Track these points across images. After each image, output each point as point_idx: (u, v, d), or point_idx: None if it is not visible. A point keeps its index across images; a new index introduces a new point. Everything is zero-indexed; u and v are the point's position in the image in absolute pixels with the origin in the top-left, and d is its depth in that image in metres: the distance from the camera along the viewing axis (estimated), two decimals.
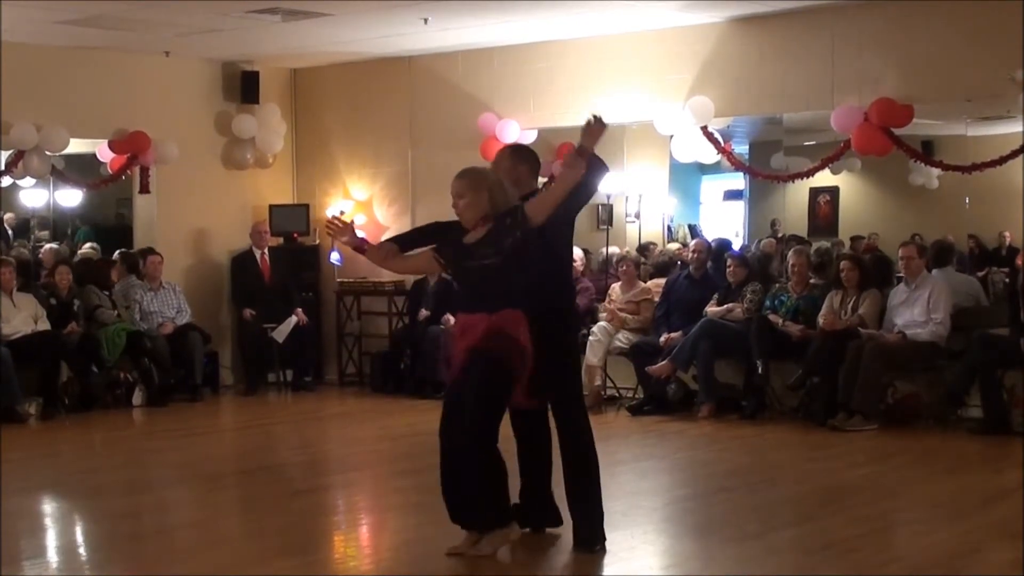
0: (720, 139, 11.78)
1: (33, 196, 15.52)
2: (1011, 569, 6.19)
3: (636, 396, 11.63)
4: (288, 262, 13.82)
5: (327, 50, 13.07)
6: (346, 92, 14.03)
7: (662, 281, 12.00)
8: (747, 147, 13.38)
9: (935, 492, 8.15)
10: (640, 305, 11.79)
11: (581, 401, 6.71)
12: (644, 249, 13.58)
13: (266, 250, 13.58)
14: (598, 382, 11.52)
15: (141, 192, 13.17)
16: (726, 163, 12.23)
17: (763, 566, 6.39)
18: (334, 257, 13.92)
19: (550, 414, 6.66)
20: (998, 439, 9.62)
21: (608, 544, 6.45)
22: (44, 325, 11.72)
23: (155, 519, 7.85)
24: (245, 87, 13.74)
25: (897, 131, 10.74)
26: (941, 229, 11.81)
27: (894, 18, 10.81)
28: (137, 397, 12.19)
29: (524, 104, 12.69)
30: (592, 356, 11.38)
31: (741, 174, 13.24)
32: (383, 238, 14.28)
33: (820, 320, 10.69)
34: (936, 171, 11.65)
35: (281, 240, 13.95)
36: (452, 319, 8.01)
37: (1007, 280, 11.54)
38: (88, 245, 14.48)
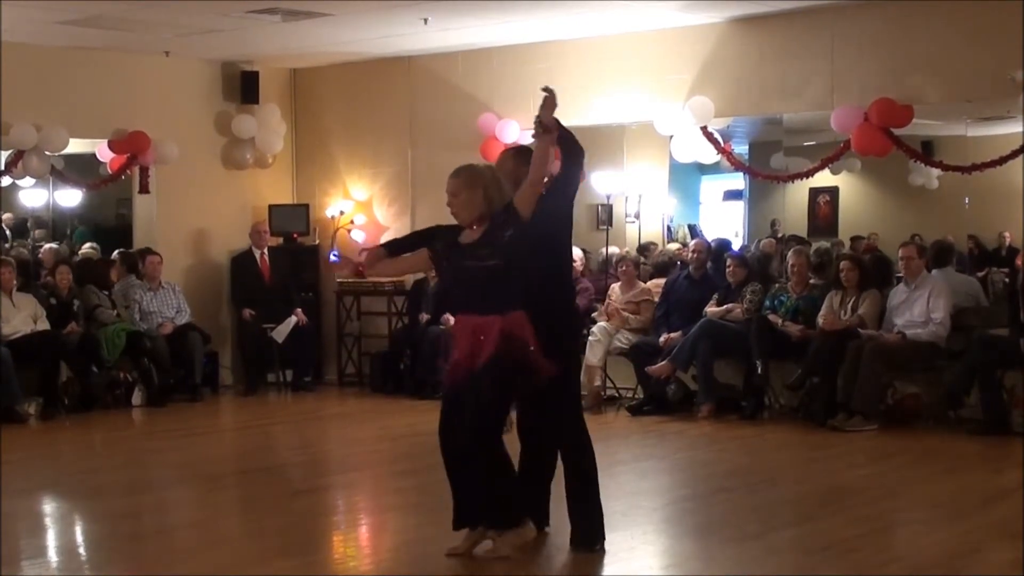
0: (720, 139, 11.79)
1: (33, 196, 15.51)
2: (1011, 569, 6.19)
3: (636, 396, 11.63)
4: (288, 262, 13.82)
5: (327, 50, 13.07)
6: (346, 92, 14.03)
7: (662, 281, 12.00)
8: (747, 147, 13.37)
9: (935, 492, 8.15)
10: (640, 305, 11.79)
11: (579, 401, 6.71)
12: (644, 249, 13.57)
13: (266, 250, 13.58)
14: (598, 382, 11.52)
15: (141, 192, 13.17)
16: (726, 163, 12.23)
17: (763, 566, 6.39)
18: (334, 257, 13.91)
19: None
20: (998, 439, 9.62)
21: (608, 544, 6.45)
22: (44, 325, 11.72)
23: (155, 519, 7.85)
24: (245, 87, 13.74)
25: (897, 131, 10.74)
26: (941, 229, 11.80)
27: (894, 18, 10.82)
28: (137, 397, 12.19)
29: (524, 104, 12.64)
30: (592, 356, 11.38)
31: (741, 174, 13.23)
32: (383, 238, 14.39)
33: (820, 320, 10.69)
34: (936, 171, 11.64)
35: (281, 240, 13.95)
36: (452, 319, 7.98)
37: (1007, 280, 11.54)
38: (88, 245, 14.48)
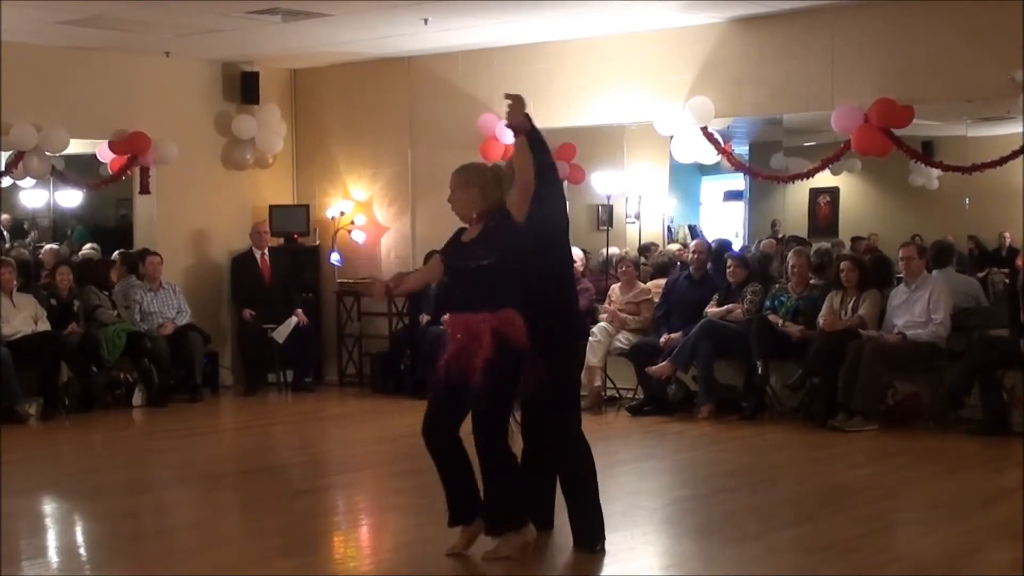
0: (720, 140, 11.79)
1: (33, 197, 15.51)
2: (1011, 569, 6.19)
3: (636, 397, 11.63)
4: (288, 262, 13.82)
5: (327, 50, 13.07)
6: (346, 92, 14.03)
7: (662, 282, 12.00)
8: (747, 148, 13.36)
9: (935, 492, 8.15)
10: (640, 306, 11.80)
11: (578, 402, 6.71)
12: (645, 250, 13.56)
13: (266, 250, 13.58)
14: (598, 383, 11.52)
15: (141, 192, 13.17)
16: (726, 164, 12.22)
17: (763, 566, 6.39)
18: (334, 258, 13.93)
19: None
20: (998, 439, 9.62)
21: (608, 544, 6.46)
22: (44, 325, 11.72)
23: (155, 519, 7.86)
24: (245, 87, 13.74)
25: (897, 132, 10.74)
26: (941, 230, 11.80)
27: (894, 19, 10.82)
28: (137, 397, 12.19)
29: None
30: (592, 356, 11.37)
31: (741, 175, 13.21)
32: (383, 239, 14.39)
33: (820, 320, 10.69)
34: (936, 172, 11.63)
35: (281, 240, 13.95)
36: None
37: (1007, 281, 11.54)
38: (89, 245, 14.49)
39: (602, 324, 11.68)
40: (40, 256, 14.04)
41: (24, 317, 11.66)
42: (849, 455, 9.38)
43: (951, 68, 10.60)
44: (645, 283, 12.18)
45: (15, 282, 11.74)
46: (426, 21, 11.43)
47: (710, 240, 12.70)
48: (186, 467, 9.49)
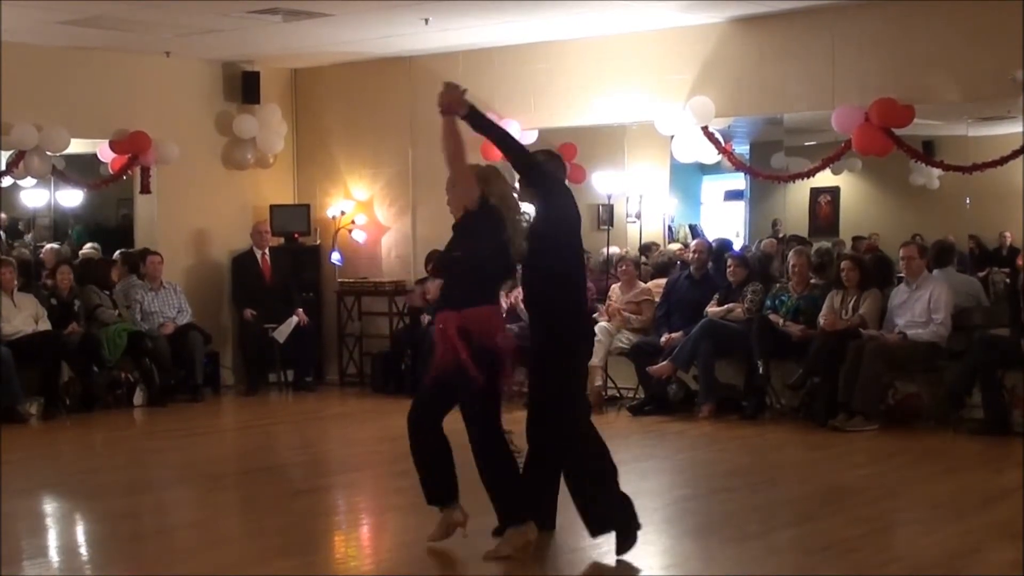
0: (721, 139, 11.78)
1: (34, 196, 15.51)
2: (1011, 569, 6.19)
3: (637, 396, 11.63)
4: (289, 262, 13.83)
5: (328, 50, 13.08)
6: (347, 92, 14.03)
7: (662, 281, 12.00)
8: (748, 147, 13.37)
9: (935, 492, 8.15)
10: (641, 305, 11.80)
11: (579, 401, 6.69)
12: (647, 249, 13.57)
13: (267, 250, 13.59)
14: (599, 382, 11.52)
15: (142, 192, 13.17)
16: (727, 163, 12.22)
17: (763, 566, 6.39)
18: (335, 257, 13.93)
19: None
20: (998, 439, 9.62)
21: (608, 544, 6.45)
22: (45, 325, 11.73)
23: (156, 519, 7.86)
24: (246, 87, 13.74)
25: (898, 131, 10.73)
26: (942, 229, 11.80)
27: (894, 18, 10.82)
28: (138, 397, 12.20)
29: (525, 104, 12.69)
30: (593, 356, 11.37)
31: (742, 174, 13.22)
32: (383, 239, 14.39)
33: (821, 320, 10.69)
34: (937, 171, 11.64)
35: (282, 240, 13.95)
36: None
37: (1008, 280, 11.54)
38: (89, 245, 14.49)
39: (603, 324, 11.68)
40: (41, 256, 14.04)
41: (25, 317, 11.66)
42: (849, 455, 9.38)
43: (952, 68, 10.60)
44: (646, 283, 12.17)
45: (16, 282, 11.74)
46: (427, 21, 11.44)
47: (711, 240, 12.70)
48: (187, 467, 9.49)
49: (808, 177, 11.86)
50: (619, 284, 12.01)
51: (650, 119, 11.95)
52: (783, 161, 12.69)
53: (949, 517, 7.41)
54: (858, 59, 10.99)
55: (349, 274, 13.91)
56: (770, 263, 12.42)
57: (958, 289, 10.72)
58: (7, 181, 12.69)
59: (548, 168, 6.69)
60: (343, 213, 13.98)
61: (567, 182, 7.03)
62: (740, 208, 14.35)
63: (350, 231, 13.95)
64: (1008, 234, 12.60)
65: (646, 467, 9.19)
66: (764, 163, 12.75)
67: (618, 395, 12.03)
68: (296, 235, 14.04)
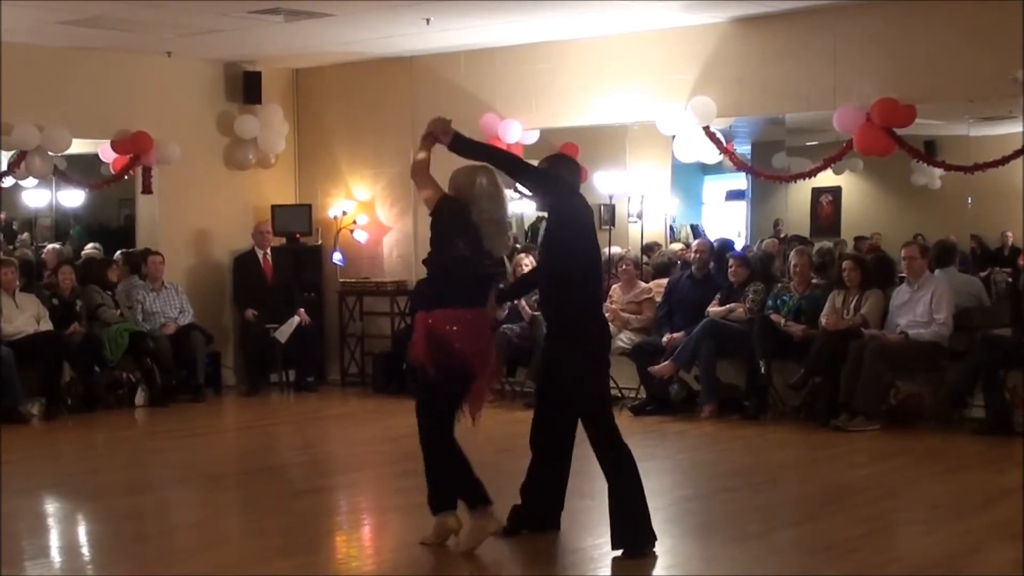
0: (722, 139, 11.77)
1: (36, 196, 15.53)
2: (1011, 569, 6.20)
3: (638, 396, 11.62)
4: (290, 262, 13.83)
5: (329, 50, 13.08)
6: (348, 92, 14.03)
7: (664, 281, 12.00)
8: (749, 147, 13.37)
9: (936, 492, 8.16)
10: (642, 305, 11.80)
11: (606, 404, 6.69)
12: (649, 249, 13.57)
13: (268, 250, 13.59)
14: None
15: (144, 192, 13.17)
16: (728, 163, 12.21)
17: (765, 566, 6.40)
18: (336, 257, 13.93)
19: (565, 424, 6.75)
20: (1000, 439, 9.62)
21: (608, 544, 6.45)
22: (47, 325, 11.73)
23: (157, 520, 7.87)
24: (247, 87, 13.74)
25: (899, 131, 10.73)
26: (943, 229, 11.80)
27: (896, 18, 10.81)
28: (139, 397, 12.20)
29: (526, 104, 12.69)
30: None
31: (743, 174, 13.23)
32: (384, 239, 14.38)
33: (822, 320, 10.69)
34: (938, 171, 11.63)
35: (283, 240, 13.95)
36: None
37: (1009, 280, 11.54)
38: (91, 245, 14.50)
39: None
40: (43, 256, 14.06)
41: (26, 317, 11.67)
42: (851, 455, 9.38)
43: (953, 68, 10.59)
44: (647, 283, 12.17)
45: (17, 282, 11.74)
46: (428, 21, 11.43)
47: (712, 240, 12.70)
48: (188, 467, 9.49)
49: (810, 177, 11.85)
50: (619, 284, 12.00)
51: (652, 119, 11.95)
52: (785, 161, 12.69)
53: (950, 517, 7.42)
54: (860, 59, 10.99)
55: (351, 274, 13.91)
56: (772, 263, 12.41)
57: (960, 289, 10.72)
58: (9, 181, 12.70)
59: (550, 172, 6.71)
60: (344, 213, 13.98)
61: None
62: (742, 208, 14.36)
63: (351, 231, 13.95)
64: (1010, 234, 12.60)
65: (647, 467, 9.09)
66: (766, 163, 12.75)
67: (620, 395, 11.99)
68: (298, 235, 14.04)
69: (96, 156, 13.28)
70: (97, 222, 16.15)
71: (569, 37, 12.30)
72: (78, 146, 12.84)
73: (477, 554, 6.39)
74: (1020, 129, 10.46)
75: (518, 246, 13.09)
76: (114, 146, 12.80)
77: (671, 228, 14.64)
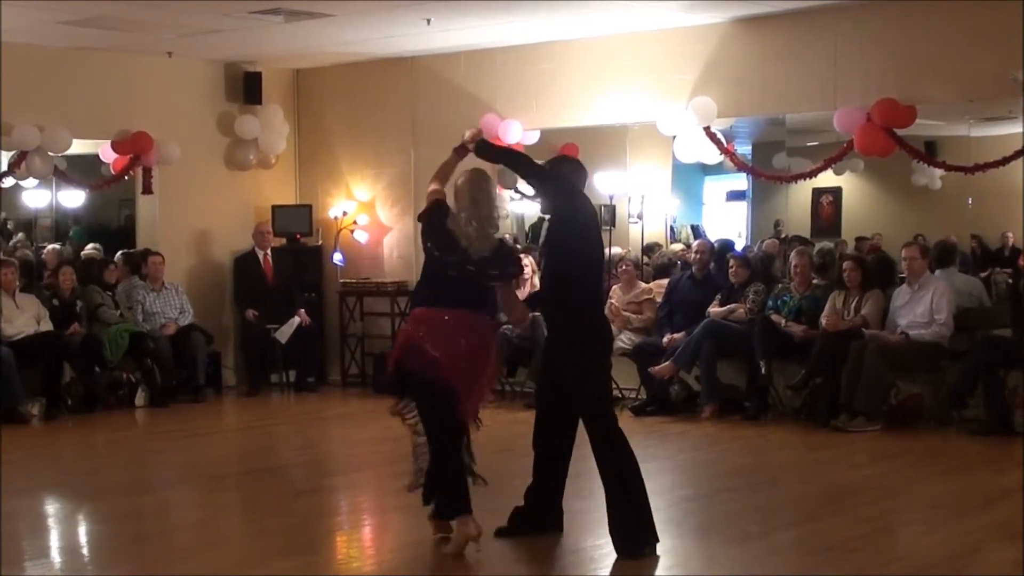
0: (723, 139, 11.77)
1: (36, 197, 15.53)
2: (1011, 569, 6.19)
3: (639, 397, 11.62)
4: (291, 263, 13.83)
5: (330, 51, 13.07)
6: (349, 93, 14.03)
7: (664, 282, 12.00)
8: (750, 148, 13.37)
9: (936, 492, 8.15)
10: (642, 305, 11.79)
11: (607, 405, 6.70)
12: (649, 250, 13.56)
13: (269, 251, 13.59)
14: None
15: (144, 193, 13.17)
16: (729, 164, 12.21)
17: (765, 566, 6.40)
18: (337, 258, 13.93)
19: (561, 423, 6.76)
20: (1000, 440, 9.61)
21: (608, 544, 6.45)
22: (47, 326, 11.73)
23: (157, 520, 7.88)
24: (248, 88, 13.75)
25: (900, 132, 10.73)
26: (944, 229, 11.80)
27: (896, 19, 10.81)
28: (140, 398, 12.20)
29: (527, 104, 12.69)
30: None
31: (744, 175, 13.22)
32: (385, 239, 14.38)
33: (823, 320, 10.69)
34: (939, 172, 11.62)
35: (284, 241, 13.95)
36: None
37: (1010, 281, 11.53)
38: (91, 245, 14.50)
39: None
40: (43, 256, 14.06)
41: (27, 317, 11.67)
42: (851, 455, 9.38)
43: (953, 68, 10.59)
44: (647, 283, 12.17)
45: (18, 283, 11.74)
46: (428, 21, 11.43)
47: (713, 240, 12.70)
48: (188, 467, 9.49)
49: (810, 177, 11.84)
50: (619, 284, 12.00)
51: (652, 119, 11.95)
52: (785, 161, 12.69)
53: (950, 517, 7.42)
54: (860, 59, 10.99)
55: (351, 275, 13.91)
56: (772, 263, 12.41)
57: (960, 289, 10.72)
58: (9, 182, 12.70)
59: (554, 172, 6.76)
60: (345, 214, 13.98)
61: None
62: (742, 208, 14.35)
63: (352, 231, 13.95)
64: (1010, 234, 12.59)
65: (648, 467, 9.07)
66: (766, 163, 12.75)
67: (620, 396, 11.98)
68: (298, 236, 14.04)
69: (96, 156, 13.28)
70: (97, 222, 16.15)
71: (569, 37, 12.30)
72: (78, 146, 12.85)
73: (477, 554, 6.38)
74: (1020, 129, 10.46)
75: (519, 247, 13.09)
76: (114, 146, 12.80)
77: (671, 228, 14.64)
